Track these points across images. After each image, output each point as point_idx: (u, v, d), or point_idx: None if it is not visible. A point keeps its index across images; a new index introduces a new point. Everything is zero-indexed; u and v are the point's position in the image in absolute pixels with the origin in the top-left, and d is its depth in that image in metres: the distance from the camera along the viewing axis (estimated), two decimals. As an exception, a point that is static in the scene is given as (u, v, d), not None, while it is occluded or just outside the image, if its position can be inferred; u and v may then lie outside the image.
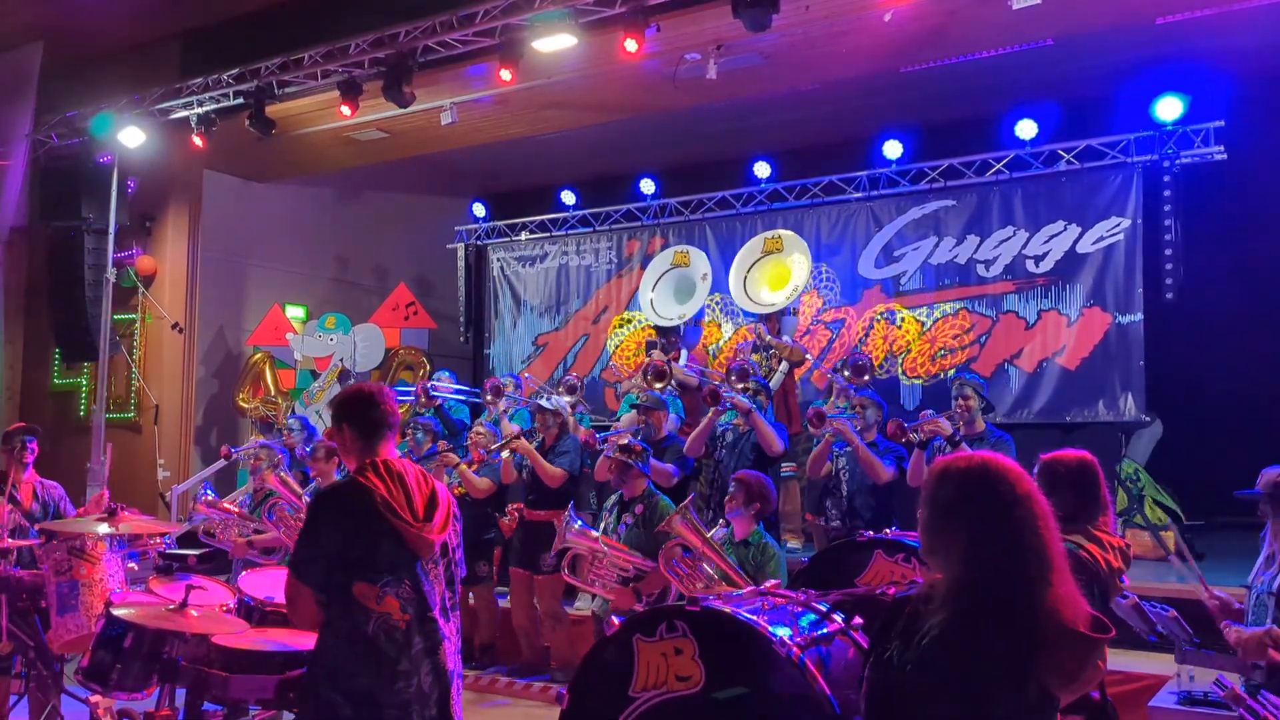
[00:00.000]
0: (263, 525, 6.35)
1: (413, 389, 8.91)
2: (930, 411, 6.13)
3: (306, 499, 5.83)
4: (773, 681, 2.86)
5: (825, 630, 3.08)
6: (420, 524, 2.89)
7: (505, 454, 6.83)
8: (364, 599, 2.80)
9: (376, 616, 2.80)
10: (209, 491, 6.71)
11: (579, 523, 5.58)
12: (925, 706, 1.97)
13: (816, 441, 6.49)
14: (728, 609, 3.05)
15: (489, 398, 8.22)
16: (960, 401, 6.01)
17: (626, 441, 6.04)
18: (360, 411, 3.02)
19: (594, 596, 6.02)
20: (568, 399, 7.89)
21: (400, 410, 9.25)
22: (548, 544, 6.23)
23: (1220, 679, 3.35)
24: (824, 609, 3.10)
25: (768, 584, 3.67)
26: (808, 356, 8.38)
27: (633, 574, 5.45)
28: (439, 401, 8.56)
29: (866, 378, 7.43)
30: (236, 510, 6.51)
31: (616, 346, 10.72)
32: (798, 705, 2.81)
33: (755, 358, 8.13)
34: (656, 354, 8.61)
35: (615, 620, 3.22)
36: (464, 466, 6.88)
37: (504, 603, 7.31)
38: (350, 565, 2.81)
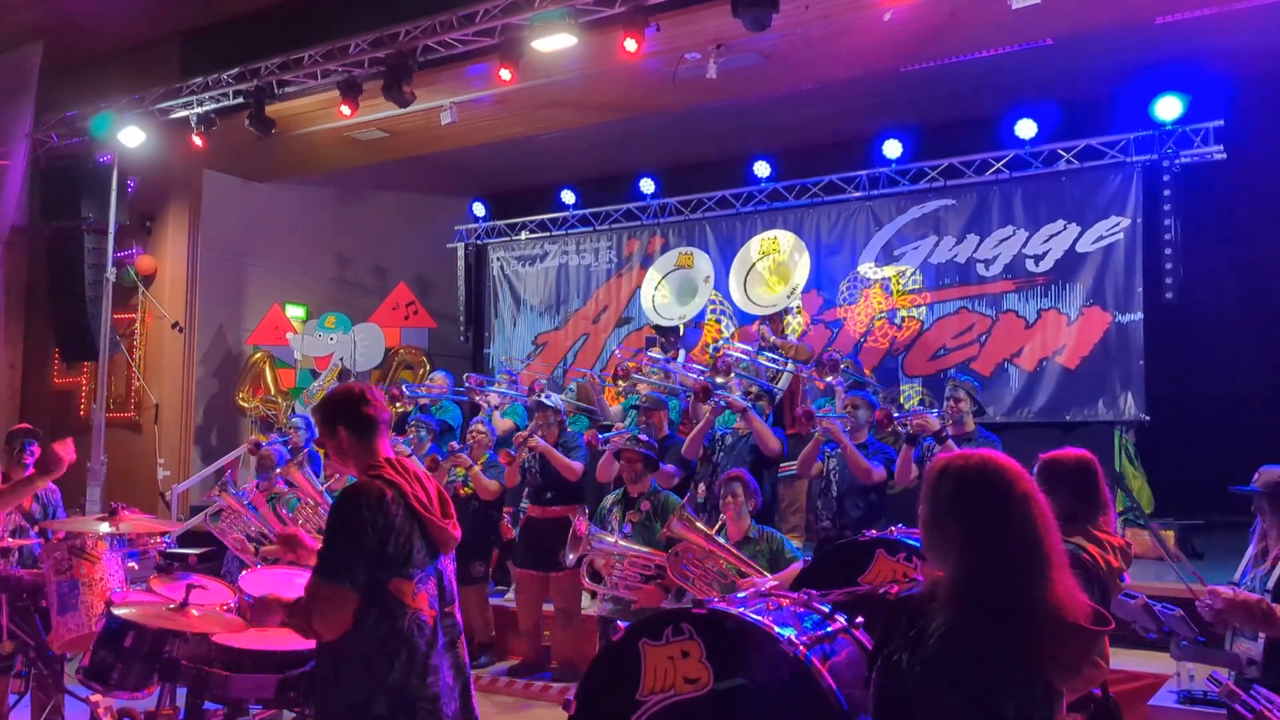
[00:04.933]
0: (265, 527, 6.35)
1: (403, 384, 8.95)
2: (920, 407, 6.13)
3: (326, 496, 5.83)
4: (780, 681, 2.85)
5: (829, 630, 3.09)
6: (444, 519, 2.93)
7: (523, 453, 6.77)
8: (400, 595, 2.81)
9: (410, 612, 2.82)
10: (231, 485, 6.71)
11: (608, 536, 5.57)
12: (936, 707, 1.98)
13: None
14: (734, 610, 3.05)
15: (476, 395, 8.25)
16: (951, 403, 6.05)
17: (640, 436, 6.05)
18: (353, 411, 3.00)
19: (602, 600, 6.01)
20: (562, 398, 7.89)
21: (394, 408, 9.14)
22: (561, 541, 6.23)
23: (1215, 675, 3.36)
24: (826, 609, 3.10)
25: (769, 584, 3.67)
26: (813, 353, 8.37)
27: (653, 571, 5.44)
28: (423, 400, 8.56)
29: (830, 378, 7.33)
30: (254, 530, 6.45)
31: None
32: (805, 704, 2.81)
33: (762, 359, 8.12)
34: (655, 351, 8.59)
35: (621, 625, 3.22)
36: (475, 468, 6.90)
37: (498, 601, 7.32)
38: (388, 562, 2.81)
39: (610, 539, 5.52)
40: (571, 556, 5.54)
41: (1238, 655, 3.67)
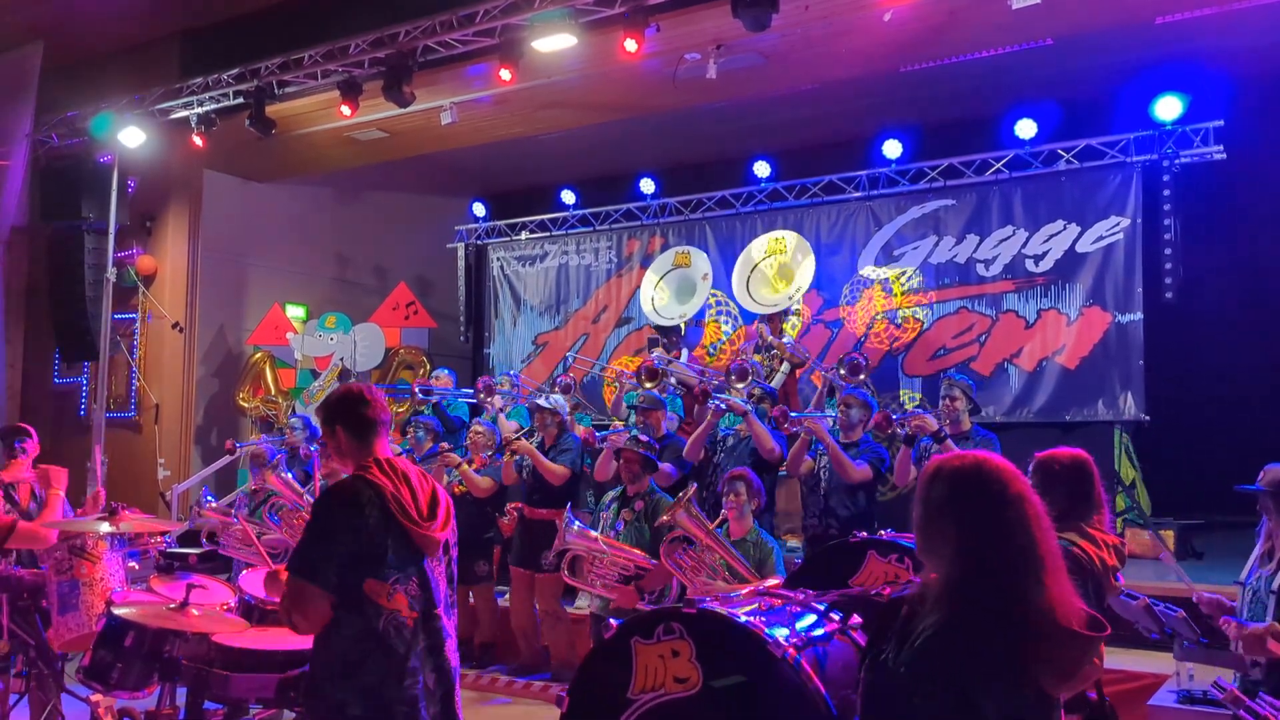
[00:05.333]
0: (263, 528, 6.35)
1: (408, 386, 8.95)
2: (918, 408, 6.15)
3: (308, 498, 5.84)
4: (769, 682, 2.86)
5: (823, 630, 3.09)
6: (426, 523, 2.91)
7: (507, 456, 6.84)
8: (375, 596, 2.81)
9: (387, 613, 2.82)
10: (210, 498, 6.70)
11: (577, 524, 5.59)
12: (920, 707, 1.97)
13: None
14: (724, 611, 3.05)
15: (482, 396, 8.25)
16: (946, 402, 6.05)
17: (640, 437, 6.06)
18: (352, 411, 3.02)
19: (592, 596, 6.03)
20: (563, 399, 7.90)
21: (401, 408, 9.21)
22: (548, 543, 6.26)
23: (1219, 681, 3.36)
24: (822, 608, 3.10)
25: (768, 583, 3.67)
26: (808, 357, 8.38)
27: (633, 572, 5.46)
28: (435, 399, 8.57)
29: (862, 376, 7.43)
30: (243, 524, 6.45)
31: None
32: (794, 706, 2.82)
33: (757, 358, 8.13)
34: (658, 352, 8.62)
35: (613, 623, 3.23)
36: (466, 466, 6.90)
37: (503, 601, 7.33)
38: (362, 563, 2.81)
39: (592, 534, 5.53)
40: (553, 550, 5.57)
41: (1243, 657, 3.66)
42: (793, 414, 6.30)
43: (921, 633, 2.00)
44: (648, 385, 7.71)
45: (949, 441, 5.59)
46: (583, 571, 5.62)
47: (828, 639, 3.06)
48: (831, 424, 6.13)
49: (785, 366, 8.10)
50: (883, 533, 4.10)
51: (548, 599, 6.64)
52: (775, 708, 2.84)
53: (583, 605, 6.94)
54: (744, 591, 3.40)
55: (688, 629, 3.01)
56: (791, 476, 7.59)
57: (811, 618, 3.15)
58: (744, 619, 2.98)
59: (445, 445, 7.22)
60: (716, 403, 6.51)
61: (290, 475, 6.38)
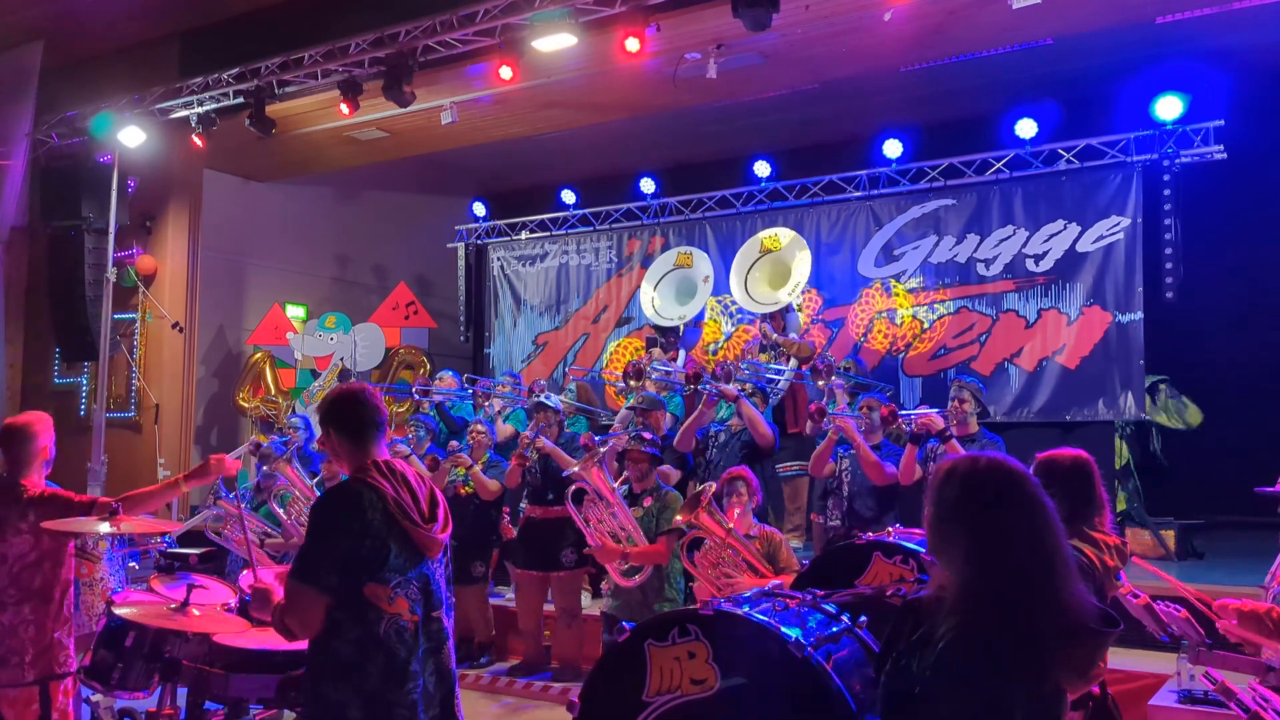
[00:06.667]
0: (268, 527, 6.36)
1: (408, 385, 8.96)
2: (925, 406, 6.14)
3: (316, 491, 5.85)
4: (787, 682, 2.86)
5: (834, 630, 3.09)
6: (428, 524, 2.90)
7: (533, 454, 6.78)
8: (376, 600, 2.79)
9: (388, 617, 2.79)
10: (225, 491, 6.70)
11: (603, 467, 5.66)
12: (948, 712, 1.98)
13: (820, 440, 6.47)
14: (740, 612, 3.05)
15: (481, 400, 8.25)
16: (955, 403, 6.03)
17: (644, 435, 6.08)
18: (349, 414, 2.99)
19: (605, 597, 6.04)
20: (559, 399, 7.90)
21: (402, 407, 9.16)
22: (563, 542, 6.28)
23: (1210, 672, 3.33)
24: (832, 610, 3.11)
25: (773, 582, 3.67)
26: (814, 349, 8.36)
27: (624, 536, 5.55)
28: (437, 399, 8.58)
29: (822, 383, 7.42)
30: (255, 530, 6.45)
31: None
32: (813, 704, 2.82)
33: (763, 357, 8.12)
34: (655, 352, 8.60)
35: (626, 626, 3.23)
36: (476, 468, 6.90)
37: (498, 601, 7.33)
38: (362, 565, 2.79)
39: (614, 484, 5.62)
40: (576, 469, 5.63)
41: (1260, 663, 3.61)
42: (830, 411, 6.31)
43: (942, 637, 2.00)
44: (633, 384, 7.73)
45: (954, 442, 5.58)
46: (585, 508, 5.69)
47: (838, 637, 3.06)
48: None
49: (793, 364, 8.08)
50: (891, 529, 4.08)
51: (566, 596, 6.61)
52: (795, 707, 2.84)
53: (589, 606, 6.93)
54: (752, 592, 3.40)
55: (703, 630, 3.01)
56: (800, 475, 7.59)
57: (821, 617, 3.16)
58: (760, 619, 2.98)
59: (454, 444, 7.21)
60: (707, 388, 6.50)
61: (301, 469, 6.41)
